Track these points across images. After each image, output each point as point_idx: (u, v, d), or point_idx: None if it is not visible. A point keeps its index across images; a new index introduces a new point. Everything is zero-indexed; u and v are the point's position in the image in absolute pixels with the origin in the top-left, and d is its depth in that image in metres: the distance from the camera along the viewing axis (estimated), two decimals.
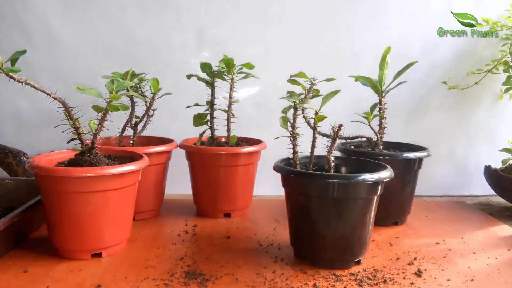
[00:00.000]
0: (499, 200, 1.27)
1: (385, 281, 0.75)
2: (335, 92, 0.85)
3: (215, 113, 1.12)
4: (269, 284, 0.74)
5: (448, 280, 0.77)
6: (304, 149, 0.89)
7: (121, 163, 0.86)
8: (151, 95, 1.09)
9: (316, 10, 1.28)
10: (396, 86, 1.03)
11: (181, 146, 1.10)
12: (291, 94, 0.84)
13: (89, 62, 1.26)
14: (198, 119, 1.12)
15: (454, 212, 1.18)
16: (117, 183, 0.80)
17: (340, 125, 0.82)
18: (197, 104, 1.11)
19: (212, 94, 1.11)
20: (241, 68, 1.08)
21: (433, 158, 1.09)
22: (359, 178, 0.76)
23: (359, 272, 0.79)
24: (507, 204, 1.24)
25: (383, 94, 1.03)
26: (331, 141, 0.84)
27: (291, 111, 0.86)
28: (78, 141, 0.85)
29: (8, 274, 0.75)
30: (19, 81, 0.78)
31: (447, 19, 1.29)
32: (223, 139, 1.16)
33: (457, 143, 1.38)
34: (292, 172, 0.81)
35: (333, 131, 0.83)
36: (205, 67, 1.09)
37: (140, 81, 1.07)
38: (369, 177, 0.76)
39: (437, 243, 0.95)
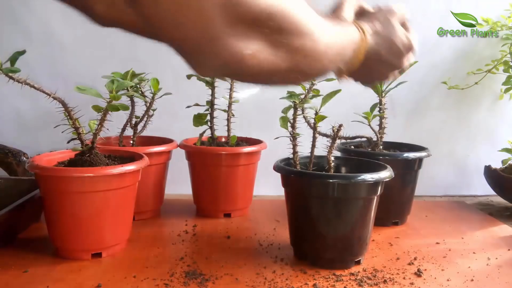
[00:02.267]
0: (499, 200, 1.27)
1: (385, 281, 0.75)
2: (335, 92, 0.85)
3: (215, 113, 1.12)
4: (269, 284, 0.74)
5: (448, 280, 0.77)
6: (304, 149, 0.89)
7: (121, 163, 0.86)
8: (151, 95, 1.08)
9: (316, 10, 1.28)
10: (396, 86, 1.03)
11: (181, 146, 1.10)
12: (291, 94, 0.84)
13: (89, 62, 1.26)
14: (198, 119, 1.11)
15: (454, 212, 1.18)
16: (117, 183, 0.80)
17: (340, 125, 0.82)
18: (197, 104, 1.11)
19: (212, 94, 1.11)
20: None
21: (433, 158, 1.09)
22: (359, 178, 0.76)
23: (359, 272, 0.79)
24: (507, 204, 1.24)
25: (383, 94, 1.03)
26: (331, 141, 0.84)
27: (291, 111, 0.86)
28: (78, 141, 0.85)
29: (8, 274, 0.75)
30: (18, 81, 0.78)
31: (447, 19, 1.28)
32: (223, 139, 1.16)
33: (457, 143, 1.37)
34: (292, 172, 0.81)
35: (333, 131, 0.83)
36: None
37: (140, 81, 1.07)
38: (369, 177, 0.76)
39: (437, 243, 0.94)
